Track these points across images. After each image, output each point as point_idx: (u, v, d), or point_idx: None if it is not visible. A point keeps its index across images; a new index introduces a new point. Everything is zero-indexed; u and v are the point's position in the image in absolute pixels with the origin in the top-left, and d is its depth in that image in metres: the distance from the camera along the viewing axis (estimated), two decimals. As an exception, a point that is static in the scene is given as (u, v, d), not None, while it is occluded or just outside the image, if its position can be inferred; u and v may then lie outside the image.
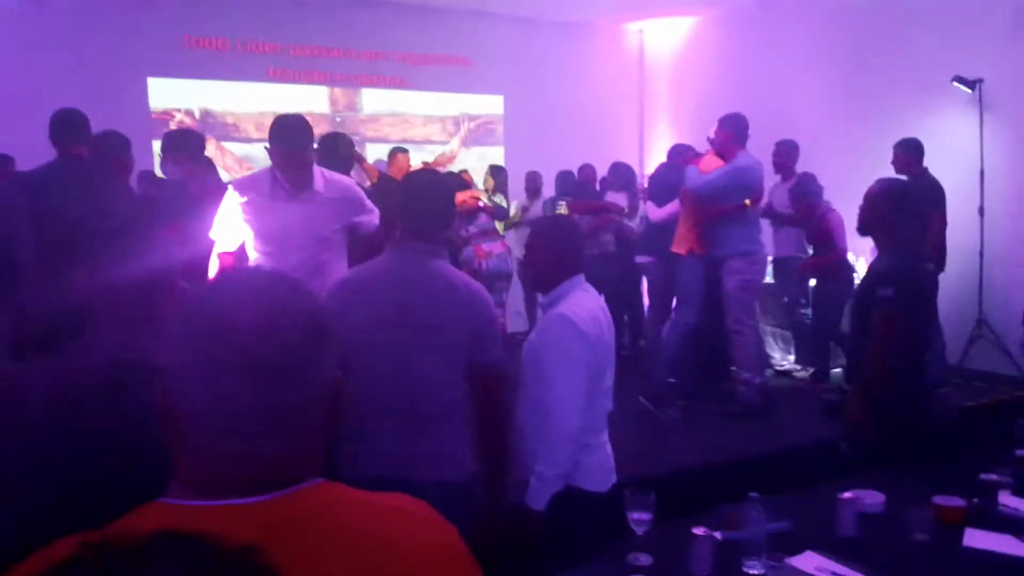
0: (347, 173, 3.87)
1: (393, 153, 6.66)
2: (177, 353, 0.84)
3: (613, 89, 9.92)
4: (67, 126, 3.89)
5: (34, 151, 5.91)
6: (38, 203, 3.22)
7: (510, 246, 7.16)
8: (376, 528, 0.84)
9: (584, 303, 2.51)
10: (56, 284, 1.42)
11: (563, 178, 7.41)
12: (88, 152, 3.93)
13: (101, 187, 3.80)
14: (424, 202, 2.42)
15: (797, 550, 2.16)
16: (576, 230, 2.72)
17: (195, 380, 0.83)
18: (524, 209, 7.70)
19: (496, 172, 7.62)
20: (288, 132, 3.06)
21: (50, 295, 1.48)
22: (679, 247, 5.35)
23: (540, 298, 2.82)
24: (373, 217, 3.37)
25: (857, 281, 6.37)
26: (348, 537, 0.81)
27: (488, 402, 2.37)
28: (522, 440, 2.48)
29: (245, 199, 3.14)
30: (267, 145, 3.10)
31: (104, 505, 0.86)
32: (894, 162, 5.65)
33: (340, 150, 4.03)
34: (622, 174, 6.96)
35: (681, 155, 5.92)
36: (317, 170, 3.20)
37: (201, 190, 4.11)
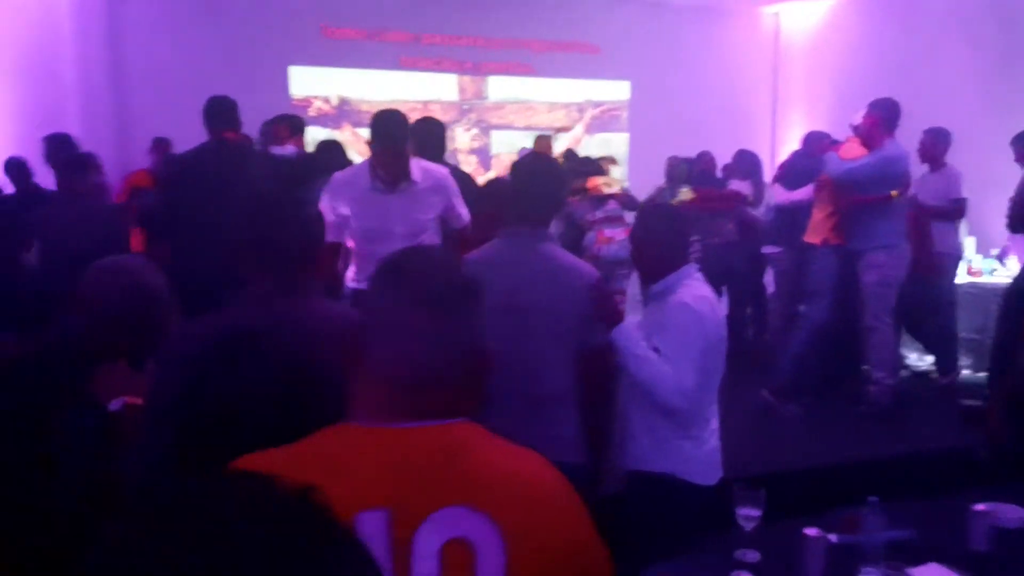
0: (441, 156, 4.00)
1: (537, 140, 6.76)
2: (373, 300, 1.11)
3: (746, 75, 9.60)
4: (219, 112, 4.17)
5: (189, 135, 6.38)
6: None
7: None
8: (512, 462, 1.04)
9: (699, 292, 2.47)
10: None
11: (684, 165, 7.23)
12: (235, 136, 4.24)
13: (254, 166, 4.20)
14: (533, 187, 2.42)
15: (920, 561, 2.05)
16: (683, 219, 2.67)
17: (386, 317, 1.06)
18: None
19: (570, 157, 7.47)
20: (386, 127, 3.23)
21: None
22: (813, 236, 5.12)
23: (634, 291, 2.76)
24: (464, 211, 3.47)
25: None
26: (491, 465, 1.01)
27: (593, 386, 2.37)
28: (625, 425, 2.48)
29: (344, 192, 3.30)
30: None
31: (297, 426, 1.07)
32: None
33: (434, 133, 4.12)
34: (747, 162, 6.73)
35: (817, 142, 5.65)
36: (413, 161, 3.33)
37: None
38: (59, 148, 4.76)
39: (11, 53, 5.96)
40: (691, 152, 7.37)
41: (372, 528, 0.92)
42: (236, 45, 7.61)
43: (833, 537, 2.13)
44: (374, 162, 3.28)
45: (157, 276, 1.90)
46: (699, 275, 2.55)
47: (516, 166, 2.58)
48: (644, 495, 2.46)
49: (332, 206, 3.25)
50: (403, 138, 3.26)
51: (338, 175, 3.43)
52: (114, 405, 1.78)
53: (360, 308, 1.15)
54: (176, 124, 6.56)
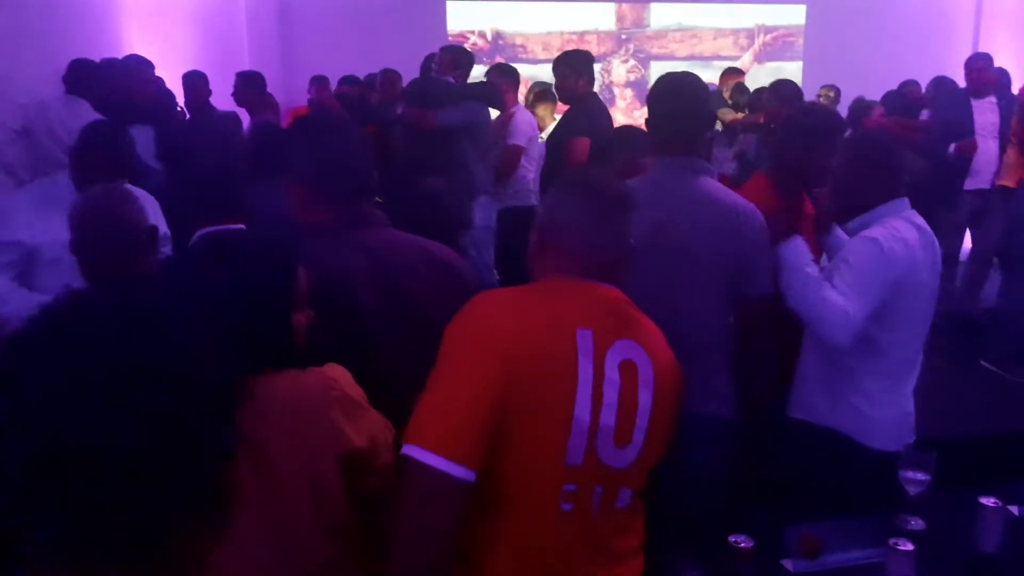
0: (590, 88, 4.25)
1: (724, 74, 6.39)
2: (564, 202, 1.54)
3: (942, -3, 8.61)
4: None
5: (348, 70, 6.54)
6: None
7: None
8: (648, 320, 1.57)
9: (903, 234, 2.15)
10: None
11: (886, 98, 6.54)
12: None
13: None
14: (673, 102, 2.18)
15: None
16: (894, 147, 2.32)
17: (577, 214, 1.50)
18: None
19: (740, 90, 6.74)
20: None
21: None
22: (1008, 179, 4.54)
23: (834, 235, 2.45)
24: None
25: None
26: (641, 317, 1.54)
27: (750, 339, 2.16)
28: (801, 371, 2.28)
29: None
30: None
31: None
32: None
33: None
34: (946, 90, 5.99)
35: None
36: None
37: None
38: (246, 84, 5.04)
39: (189, 2, 6.31)
40: (875, 83, 6.68)
41: (584, 339, 1.38)
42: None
43: (1015, 509, 1.92)
44: None
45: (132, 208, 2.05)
46: (915, 214, 2.23)
47: (655, 84, 2.34)
48: (809, 449, 2.22)
49: None
50: None
51: None
52: None
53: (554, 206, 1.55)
54: (338, 61, 6.75)
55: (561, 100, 4.38)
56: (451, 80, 4.79)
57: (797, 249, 2.15)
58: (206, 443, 0.72)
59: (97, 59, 4.46)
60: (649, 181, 2.19)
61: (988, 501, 1.81)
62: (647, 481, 1.50)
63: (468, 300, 1.40)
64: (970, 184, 5.13)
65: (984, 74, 5.04)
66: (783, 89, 4.63)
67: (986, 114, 5.00)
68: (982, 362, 4.63)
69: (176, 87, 5.02)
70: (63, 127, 3.83)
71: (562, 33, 8.21)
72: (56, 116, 3.99)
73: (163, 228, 2.55)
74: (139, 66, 4.65)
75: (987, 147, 4.98)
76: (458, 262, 1.86)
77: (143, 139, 3.99)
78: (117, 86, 4.36)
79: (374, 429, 1.41)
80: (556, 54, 4.43)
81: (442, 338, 1.34)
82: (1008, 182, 4.56)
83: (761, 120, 5.27)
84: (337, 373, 1.40)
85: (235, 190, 2.27)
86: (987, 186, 5.03)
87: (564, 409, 1.34)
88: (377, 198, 1.93)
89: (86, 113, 3.85)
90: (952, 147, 4.90)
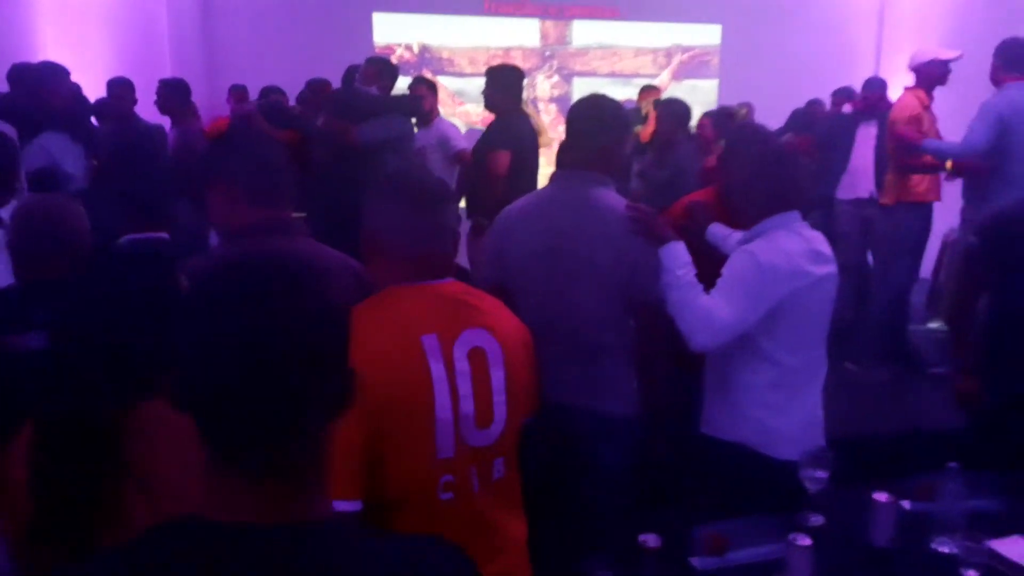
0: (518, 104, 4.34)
1: (642, 91, 6.49)
2: (384, 205, 1.57)
3: (847, 13, 9.03)
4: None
5: (271, 80, 6.46)
6: None
7: None
8: (490, 300, 1.69)
9: (783, 245, 2.16)
10: None
11: (793, 115, 6.86)
12: None
13: None
14: (588, 125, 2.27)
15: (1003, 533, 1.90)
16: (790, 155, 2.35)
17: (397, 216, 1.55)
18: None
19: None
20: None
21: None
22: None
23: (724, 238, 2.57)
24: None
25: None
26: (484, 301, 1.65)
27: (645, 341, 2.23)
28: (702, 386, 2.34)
29: None
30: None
31: None
32: None
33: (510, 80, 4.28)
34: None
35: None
36: None
37: None
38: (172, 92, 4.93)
39: (106, 4, 6.14)
40: (786, 100, 7.00)
41: (430, 343, 1.48)
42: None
43: (906, 503, 2.01)
44: None
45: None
46: (805, 227, 2.23)
47: (572, 107, 2.43)
48: (716, 463, 2.28)
49: None
50: None
51: None
52: None
53: (371, 212, 1.58)
54: (261, 71, 6.67)
55: (488, 111, 4.44)
56: (374, 91, 4.78)
57: (673, 252, 2.14)
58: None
59: (9, 64, 4.31)
60: (547, 193, 2.31)
61: (881, 497, 1.89)
62: (518, 443, 1.62)
63: None
64: (845, 194, 5.43)
65: (878, 101, 5.39)
66: (672, 107, 4.93)
67: (871, 131, 5.34)
68: (846, 364, 4.92)
69: (92, 94, 4.88)
70: None
71: (488, 48, 8.30)
72: None
73: None
74: (53, 73, 4.50)
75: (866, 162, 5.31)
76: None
77: (59, 146, 3.88)
78: (29, 92, 4.21)
79: None
80: (483, 68, 4.50)
81: None
82: (887, 200, 4.86)
83: (644, 139, 5.47)
84: None
85: (160, 199, 2.28)
86: (865, 195, 5.35)
87: (426, 413, 1.46)
88: (296, 212, 1.95)
89: None
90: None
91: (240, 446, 0.80)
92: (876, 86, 5.55)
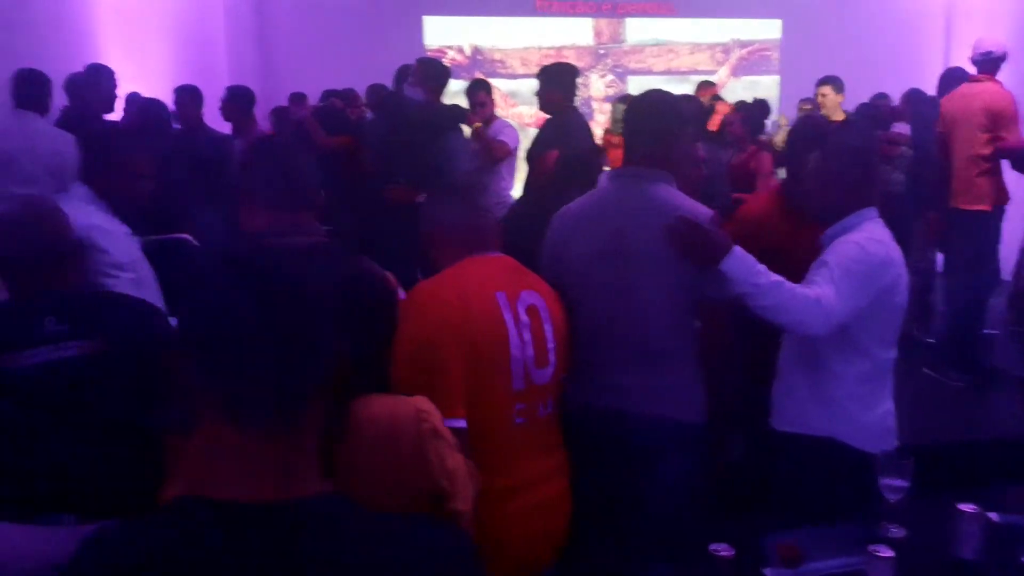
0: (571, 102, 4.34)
1: (699, 87, 6.35)
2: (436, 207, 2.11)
3: (914, 6, 8.73)
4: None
5: (319, 87, 6.52)
6: None
7: None
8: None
9: (882, 238, 2.17)
10: None
11: (859, 110, 6.61)
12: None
13: None
14: (643, 122, 2.25)
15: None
16: (871, 156, 2.32)
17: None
18: None
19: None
20: None
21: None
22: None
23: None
24: None
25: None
26: (531, 272, 2.11)
27: (712, 342, 2.17)
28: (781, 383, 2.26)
29: None
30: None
31: None
32: None
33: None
34: (915, 103, 6.06)
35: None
36: None
37: None
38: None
39: (166, 14, 6.27)
40: (850, 95, 6.77)
41: (502, 298, 1.91)
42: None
43: (994, 515, 1.90)
44: None
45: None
46: (879, 219, 2.24)
47: (632, 103, 2.39)
48: (798, 459, 2.20)
49: None
50: None
51: None
52: None
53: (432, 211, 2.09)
54: (315, 77, 6.73)
55: (542, 111, 4.39)
56: (421, 94, 4.72)
57: (737, 262, 2.02)
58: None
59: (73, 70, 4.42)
60: (605, 193, 2.28)
61: (967, 507, 1.80)
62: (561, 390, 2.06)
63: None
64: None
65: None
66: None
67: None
68: (924, 369, 4.78)
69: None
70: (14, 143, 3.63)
71: (540, 48, 8.25)
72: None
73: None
74: (101, 77, 4.49)
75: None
76: (384, 278, 1.88)
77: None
78: (85, 99, 4.29)
79: (458, 471, 1.46)
80: (535, 69, 4.45)
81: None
82: (962, 204, 4.64)
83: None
84: (428, 405, 1.46)
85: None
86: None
87: (504, 350, 1.88)
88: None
89: (37, 126, 3.74)
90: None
91: (248, 401, 0.84)
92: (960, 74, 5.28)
